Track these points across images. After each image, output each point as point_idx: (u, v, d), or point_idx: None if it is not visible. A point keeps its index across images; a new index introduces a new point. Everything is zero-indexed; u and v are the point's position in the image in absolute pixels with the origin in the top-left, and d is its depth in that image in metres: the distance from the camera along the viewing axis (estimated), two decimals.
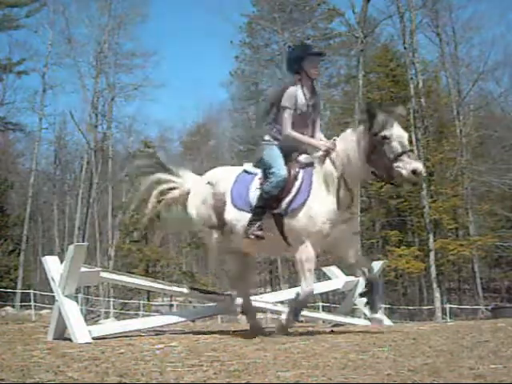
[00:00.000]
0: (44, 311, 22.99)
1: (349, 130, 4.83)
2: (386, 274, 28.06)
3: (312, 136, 5.09)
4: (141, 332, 5.42)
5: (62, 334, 5.11)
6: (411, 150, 4.55)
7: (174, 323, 5.88)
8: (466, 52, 32.26)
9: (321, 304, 23.69)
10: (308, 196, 4.74)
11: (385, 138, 4.47)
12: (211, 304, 6.24)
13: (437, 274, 26.94)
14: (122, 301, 30.18)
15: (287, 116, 4.94)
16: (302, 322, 5.37)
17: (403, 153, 4.41)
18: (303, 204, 4.73)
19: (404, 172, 4.35)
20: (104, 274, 5.69)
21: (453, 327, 5.13)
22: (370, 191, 31.92)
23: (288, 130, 4.95)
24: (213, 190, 5.20)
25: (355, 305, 6.98)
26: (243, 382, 2.89)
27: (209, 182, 5.29)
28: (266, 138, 5.18)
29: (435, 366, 3.06)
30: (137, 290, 27.88)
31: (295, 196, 4.77)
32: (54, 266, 5.23)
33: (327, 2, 33.81)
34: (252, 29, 36.98)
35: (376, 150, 4.51)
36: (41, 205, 41.83)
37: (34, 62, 34.26)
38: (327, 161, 4.77)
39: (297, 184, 4.80)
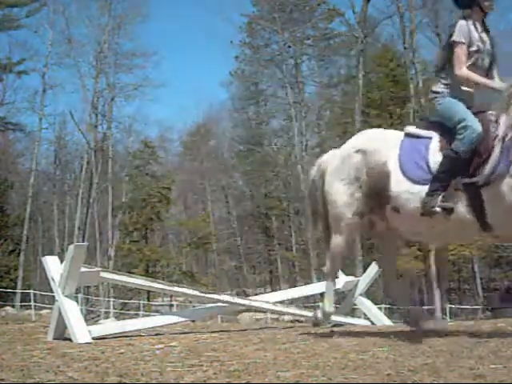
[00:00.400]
0: (44, 311, 22.99)
1: None
2: None
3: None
4: (141, 332, 5.41)
5: (62, 334, 5.11)
6: None
7: (174, 323, 5.88)
8: None
9: (321, 304, 23.69)
10: None
11: None
12: (211, 304, 6.23)
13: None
14: (122, 301, 30.19)
15: (460, 52, 4.06)
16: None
17: None
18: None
19: None
20: (104, 274, 5.69)
21: (453, 327, 5.12)
22: None
23: (461, 68, 4.05)
24: (367, 160, 4.16)
25: (355, 305, 6.98)
26: (243, 381, 2.89)
27: (359, 151, 4.24)
28: (437, 89, 4.24)
29: (435, 366, 3.06)
30: (137, 290, 27.89)
31: (500, 158, 3.70)
32: (53, 266, 5.23)
33: (327, 1, 33.85)
34: (252, 29, 37.01)
35: None
36: (41, 205, 41.84)
37: (34, 62, 34.29)
38: None
39: (497, 141, 3.76)
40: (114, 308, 28.18)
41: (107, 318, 22.65)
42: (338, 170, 4.30)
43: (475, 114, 3.96)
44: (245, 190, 41.94)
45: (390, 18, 30.30)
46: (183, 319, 5.94)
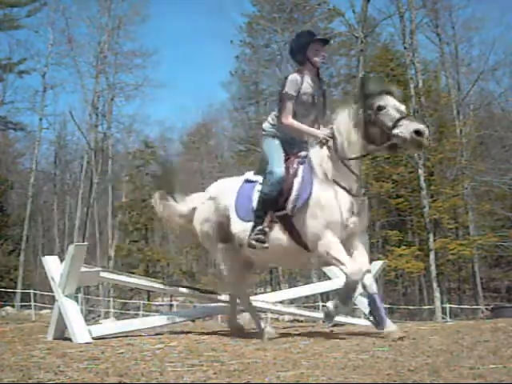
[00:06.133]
0: (44, 311, 23.00)
1: (341, 111, 4.56)
2: (386, 273, 28.07)
3: (317, 128, 4.78)
4: (141, 332, 5.41)
5: (62, 334, 5.11)
6: (410, 115, 4.38)
7: (174, 323, 5.88)
8: (466, 52, 32.32)
9: (321, 304, 23.69)
10: (311, 190, 4.41)
11: (380, 107, 4.25)
12: (211, 304, 6.23)
13: (437, 273, 26.94)
14: (122, 301, 30.18)
15: (288, 104, 4.67)
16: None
17: (402, 118, 4.17)
18: (309, 199, 4.39)
19: (406, 134, 4.09)
20: (104, 274, 5.69)
21: (453, 327, 5.12)
22: (370, 191, 31.93)
23: (286, 118, 4.69)
24: (215, 205, 5.00)
25: (355, 305, 6.97)
26: (243, 381, 2.89)
27: (211, 197, 5.11)
28: (265, 126, 4.94)
29: (435, 366, 3.06)
30: (137, 289, 27.90)
31: (299, 193, 4.45)
32: (53, 266, 5.24)
33: (327, 1, 33.83)
34: (252, 29, 37.00)
35: (372, 121, 4.28)
36: (41, 205, 41.82)
37: (34, 62, 34.29)
38: (325, 148, 4.51)
39: (297, 181, 4.52)
40: (114, 308, 28.17)
41: (107, 317, 22.64)
42: (198, 213, 5.27)
43: (287, 158, 4.71)
44: None
45: (390, 18, 30.30)
46: (183, 319, 5.95)
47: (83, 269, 5.15)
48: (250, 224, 4.64)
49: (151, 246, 33.90)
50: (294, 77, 4.73)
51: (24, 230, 32.45)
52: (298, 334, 5.02)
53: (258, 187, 4.71)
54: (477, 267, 29.79)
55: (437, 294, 26.37)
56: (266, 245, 4.54)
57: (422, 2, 30.19)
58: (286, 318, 21.01)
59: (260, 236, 4.55)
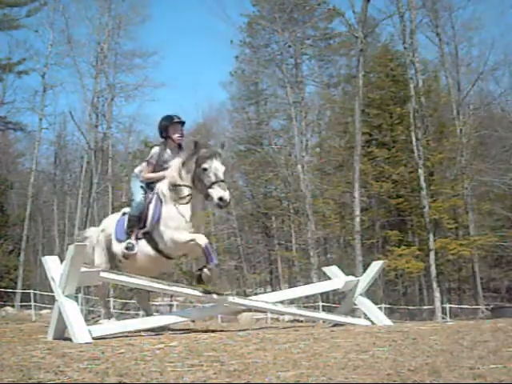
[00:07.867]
0: (44, 311, 23.02)
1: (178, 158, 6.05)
2: (386, 274, 28.08)
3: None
4: (141, 332, 5.42)
5: (62, 334, 5.11)
6: (222, 180, 5.81)
7: (174, 323, 5.88)
8: (466, 52, 32.34)
9: (321, 304, 23.71)
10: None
11: (205, 169, 5.77)
12: (211, 304, 6.23)
13: (437, 273, 26.96)
14: (122, 301, 30.17)
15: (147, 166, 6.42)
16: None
17: (215, 182, 5.70)
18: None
19: (214, 198, 5.63)
20: (104, 274, 5.69)
21: (453, 327, 5.12)
22: (370, 191, 31.94)
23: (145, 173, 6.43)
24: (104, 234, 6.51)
25: (355, 305, 6.97)
26: (243, 381, 2.89)
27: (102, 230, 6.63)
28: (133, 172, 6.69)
29: (435, 366, 3.06)
30: (137, 289, 27.86)
31: (152, 216, 6.02)
32: (54, 266, 5.23)
33: (327, 1, 33.86)
34: (252, 29, 37.01)
35: (198, 176, 5.81)
36: (41, 205, 41.82)
37: (34, 62, 34.29)
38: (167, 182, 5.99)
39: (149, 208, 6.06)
40: (114, 308, 28.15)
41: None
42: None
43: (144, 193, 6.27)
44: (245, 190, 41.92)
45: (390, 18, 30.32)
46: (183, 319, 5.95)
47: (83, 269, 5.15)
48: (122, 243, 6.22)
49: None
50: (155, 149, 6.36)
51: (24, 230, 32.45)
52: (298, 334, 5.01)
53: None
54: (477, 267, 29.79)
55: (437, 294, 26.39)
56: (134, 255, 6.09)
57: (421, 2, 30.21)
58: (286, 318, 21.02)
59: (127, 251, 6.10)
